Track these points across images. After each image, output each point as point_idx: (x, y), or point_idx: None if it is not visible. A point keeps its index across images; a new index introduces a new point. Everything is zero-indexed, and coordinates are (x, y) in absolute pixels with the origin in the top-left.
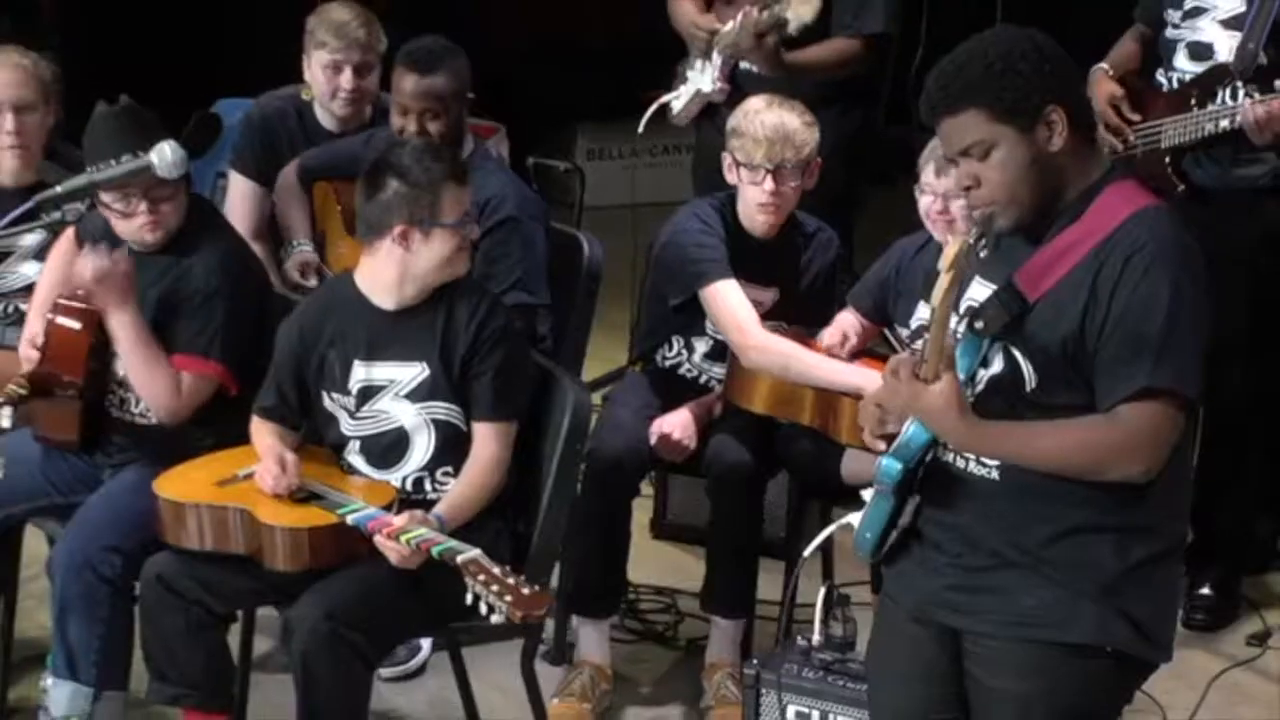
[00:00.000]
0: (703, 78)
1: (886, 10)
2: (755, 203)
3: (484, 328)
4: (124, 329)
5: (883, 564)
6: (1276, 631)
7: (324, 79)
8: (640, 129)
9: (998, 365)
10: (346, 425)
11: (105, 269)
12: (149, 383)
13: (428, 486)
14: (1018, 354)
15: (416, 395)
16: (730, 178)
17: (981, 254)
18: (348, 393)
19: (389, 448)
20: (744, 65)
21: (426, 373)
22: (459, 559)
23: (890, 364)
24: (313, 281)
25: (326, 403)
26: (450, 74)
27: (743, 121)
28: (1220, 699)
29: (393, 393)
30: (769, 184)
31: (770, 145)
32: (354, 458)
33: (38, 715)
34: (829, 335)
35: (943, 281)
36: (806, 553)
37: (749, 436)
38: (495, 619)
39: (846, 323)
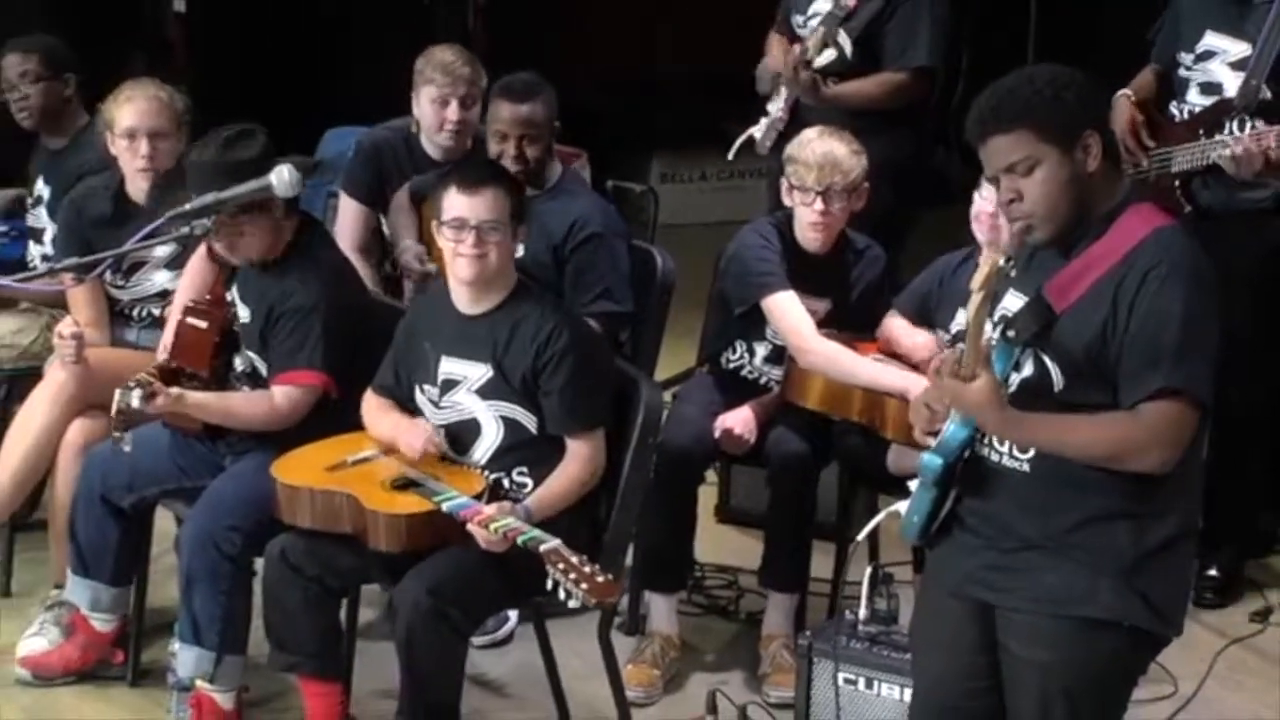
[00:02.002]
0: (774, 106)
1: (931, 45)
2: (807, 221)
3: (543, 350)
4: (203, 412)
5: (926, 546)
6: (1277, 609)
7: (431, 112)
8: (731, 155)
9: (1029, 369)
10: (432, 414)
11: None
12: (249, 424)
13: (506, 484)
14: (1047, 359)
15: (484, 392)
16: (787, 200)
17: (1011, 274)
18: (434, 383)
19: (463, 434)
20: (800, 96)
21: (491, 373)
22: (541, 548)
23: (933, 365)
24: (432, 267)
25: (417, 395)
26: (543, 103)
27: (796, 150)
28: (1226, 670)
29: (466, 387)
30: (819, 205)
31: (820, 170)
32: (441, 446)
33: (166, 676)
34: (922, 346)
35: (975, 300)
36: (860, 537)
37: (804, 432)
38: (572, 604)
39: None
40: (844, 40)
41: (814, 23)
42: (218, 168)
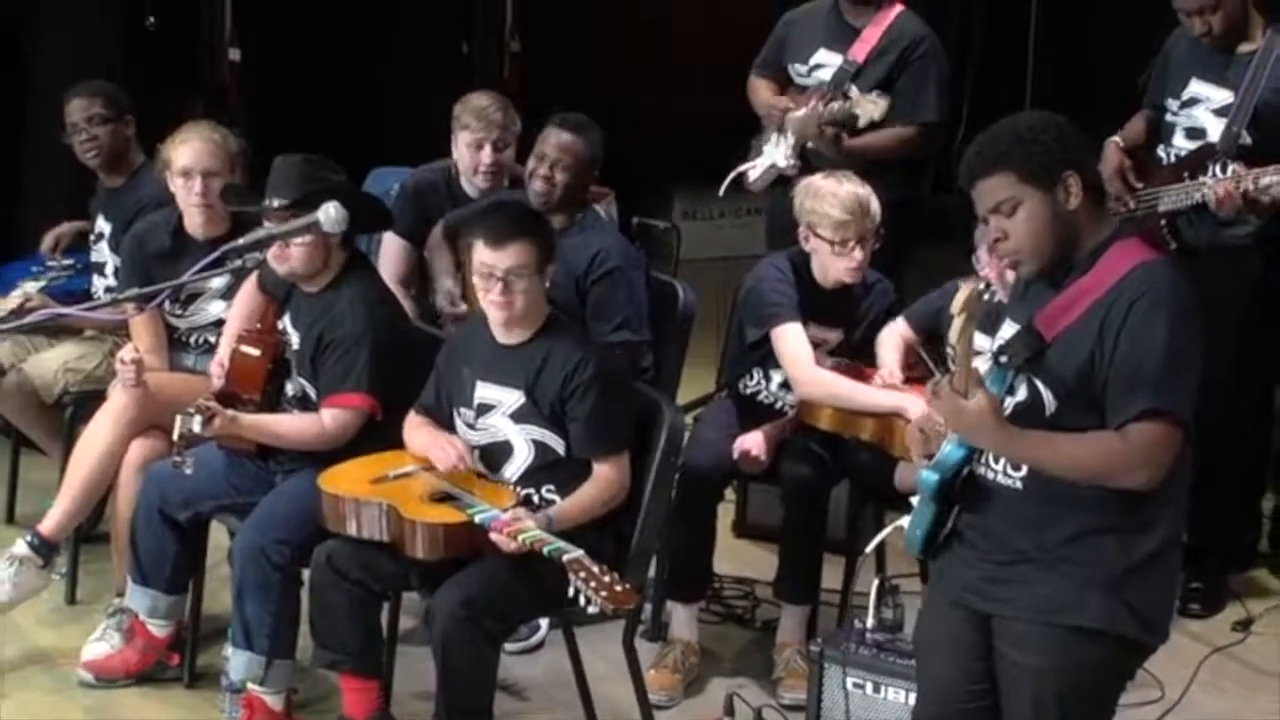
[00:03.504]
0: (776, 152)
1: (939, 102)
2: (844, 268)
3: (570, 380)
4: (257, 433)
5: (929, 559)
6: (1258, 620)
7: (467, 155)
8: (721, 192)
9: (1022, 393)
10: (467, 436)
11: (223, 431)
12: (300, 444)
13: (535, 500)
14: (1039, 384)
15: (516, 416)
16: (807, 246)
17: (994, 299)
18: (471, 406)
19: (496, 454)
20: (811, 144)
21: (523, 399)
22: (565, 558)
23: (929, 388)
24: (462, 308)
25: (455, 417)
26: (586, 140)
27: (820, 204)
28: (1210, 676)
29: (500, 411)
30: (857, 254)
31: (855, 220)
32: (476, 465)
33: (220, 678)
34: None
35: (957, 322)
36: (867, 550)
37: (815, 454)
38: (591, 610)
39: (897, 342)
40: (854, 94)
41: (820, 74)
42: (304, 173)
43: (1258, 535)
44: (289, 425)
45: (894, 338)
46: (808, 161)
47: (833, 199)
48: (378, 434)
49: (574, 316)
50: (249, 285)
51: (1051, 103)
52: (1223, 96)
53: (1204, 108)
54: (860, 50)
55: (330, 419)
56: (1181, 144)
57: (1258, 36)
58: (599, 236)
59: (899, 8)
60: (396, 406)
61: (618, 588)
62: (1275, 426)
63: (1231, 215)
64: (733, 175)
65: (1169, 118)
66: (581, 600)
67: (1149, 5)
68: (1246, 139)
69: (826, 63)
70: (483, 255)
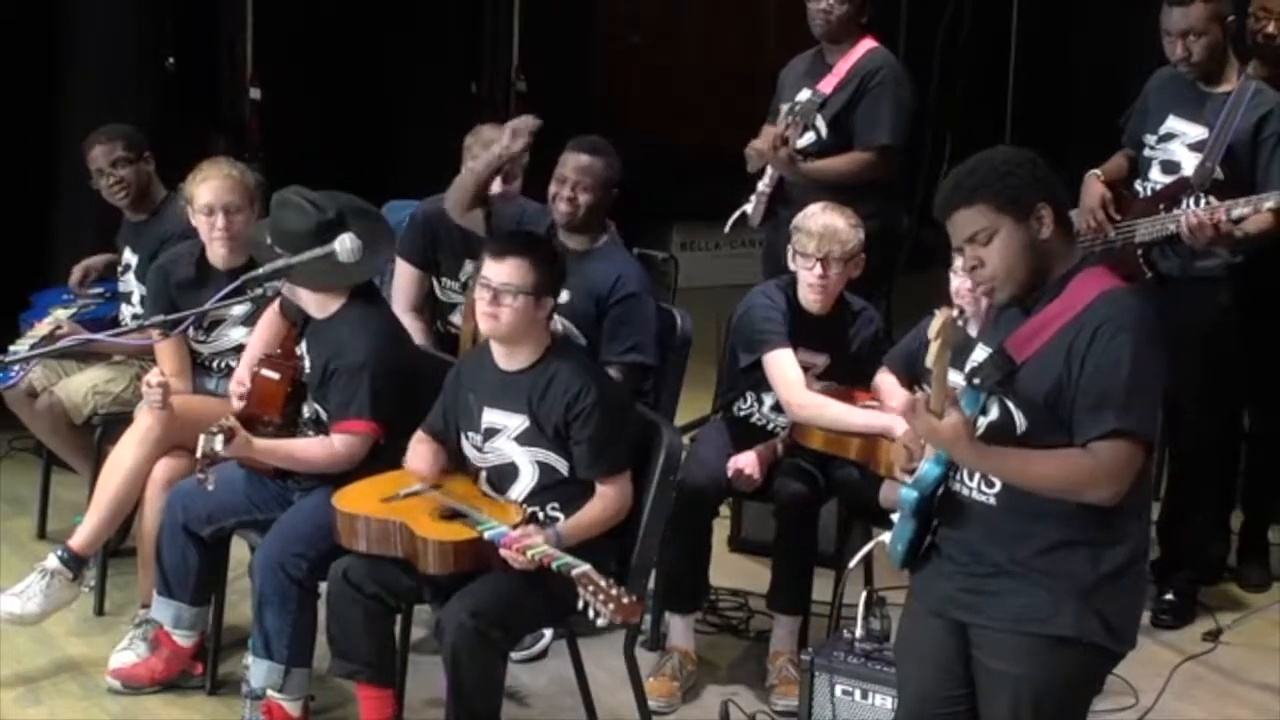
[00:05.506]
0: (761, 184)
1: (893, 127)
2: (806, 284)
3: (573, 405)
4: (271, 457)
5: (909, 571)
6: (1227, 630)
7: None
8: (726, 229)
9: (994, 413)
10: (475, 458)
11: (238, 453)
12: (309, 466)
13: (540, 518)
14: (1010, 404)
15: (521, 439)
16: (792, 265)
17: (964, 324)
18: (478, 431)
19: (503, 476)
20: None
21: (527, 423)
22: (574, 572)
23: (905, 408)
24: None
25: (463, 441)
26: (604, 161)
27: (801, 220)
28: (1181, 683)
29: (505, 435)
30: (817, 270)
31: (820, 239)
32: (483, 486)
33: (241, 686)
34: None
35: (933, 347)
36: (852, 564)
37: (806, 472)
38: (600, 622)
39: (894, 380)
40: (820, 124)
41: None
42: (306, 228)
43: (1227, 551)
44: (302, 449)
45: (889, 380)
46: (784, 190)
47: (812, 218)
48: (386, 454)
49: (592, 337)
50: (271, 311)
51: (1031, 137)
52: (1197, 132)
53: (1179, 142)
54: (828, 83)
55: (340, 443)
56: (1157, 178)
57: (1233, 78)
58: (620, 262)
59: (870, 44)
60: (402, 429)
61: (625, 600)
62: (1243, 447)
63: (1203, 245)
64: (736, 214)
65: (1146, 152)
66: (591, 613)
67: (1125, 45)
68: (1219, 174)
69: (803, 98)
70: (485, 267)
